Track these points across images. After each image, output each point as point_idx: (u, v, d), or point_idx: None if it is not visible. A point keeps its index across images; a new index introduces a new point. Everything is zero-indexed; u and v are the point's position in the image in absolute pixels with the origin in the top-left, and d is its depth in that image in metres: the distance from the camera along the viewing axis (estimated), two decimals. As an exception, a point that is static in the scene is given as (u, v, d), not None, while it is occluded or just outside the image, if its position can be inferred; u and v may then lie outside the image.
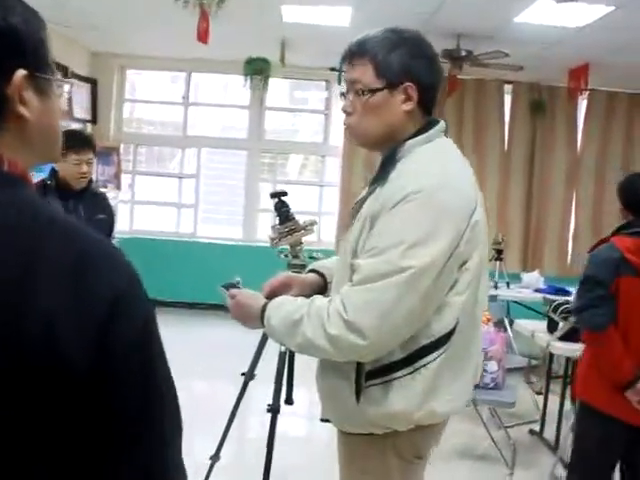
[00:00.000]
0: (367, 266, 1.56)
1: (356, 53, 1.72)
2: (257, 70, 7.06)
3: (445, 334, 1.62)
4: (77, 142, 3.55)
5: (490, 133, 7.72)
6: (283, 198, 2.25)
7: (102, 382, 0.79)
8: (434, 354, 1.61)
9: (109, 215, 3.84)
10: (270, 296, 1.79)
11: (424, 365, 1.61)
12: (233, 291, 1.85)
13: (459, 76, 6.68)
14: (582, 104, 7.85)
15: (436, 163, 1.66)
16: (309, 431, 4.70)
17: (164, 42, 6.96)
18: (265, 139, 8.09)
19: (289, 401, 2.91)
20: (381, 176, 1.69)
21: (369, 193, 1.71)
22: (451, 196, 1.60)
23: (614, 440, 2.82)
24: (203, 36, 5.33)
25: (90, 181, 3.73)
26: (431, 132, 1.72)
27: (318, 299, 1.64)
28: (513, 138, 7.79)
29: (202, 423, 3.58)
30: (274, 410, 2.82)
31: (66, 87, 1.03)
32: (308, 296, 1.71)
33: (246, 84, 7.16)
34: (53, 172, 3.63)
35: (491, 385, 4.04)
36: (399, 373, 1.61)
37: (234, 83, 7.69)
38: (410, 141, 1.70)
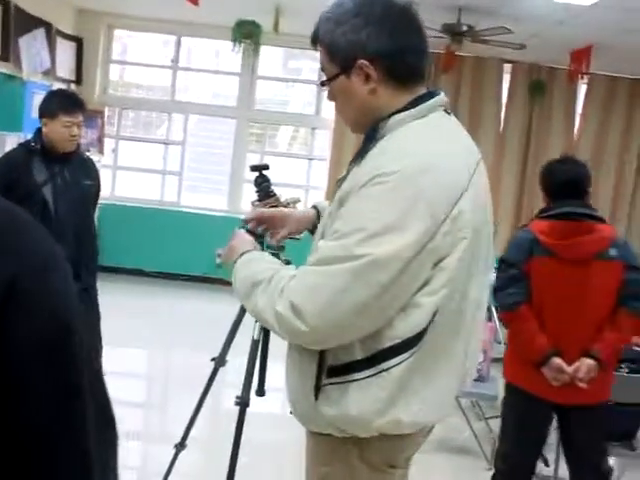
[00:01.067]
0: (324, 248, 1.44)
1: (314, 38, 1.59)
2: (246, 34, 6.84)
3: (412, 337, 1.45)
4: (68, 103, 3.37)
5: (486, 113, 7.56)
6: (264, 172, 2.06)
7: None
8: (398, 357, 1.45)
9: (96, 181, 3.68)
10: (259, 225, 1.80)
11: (387, 369, 1.45)
12: (236, 230, 1.78)
13: (457, 52, 6.49)
14: (582, 88, 7.68)
15: (422, 142, 1.49)
16: (281, 426, 4.56)
17: (154, 2, 6.72)
18: (255, 109, 7.90)
19: (261, 392, 2.77)
20: (360, 154, 1.53)
21: (347, 172, 1.56)
22: (431, 181, 1.41)
23: (535, 417, 2.90)
24: (193, -3, 5.15)
25: (78, 145, 3.54)
26: (423, 106, 1.54)
27: (285, 269, 1.52)
28: (509, 119, 7.63)
29: (176, 403, 3.43)
30: (243, 404, 2.66)
31: None
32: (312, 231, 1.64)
33: (235, 49, 6.92)
34: (38, 133, 3.42)
35: (475, 377, 3.92)
36: (359, 374, 1.46)
37: (226, 49, 7.47)
38: (396, 116, 1.52)
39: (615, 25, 5.66)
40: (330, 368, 1.50)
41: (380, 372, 1.46)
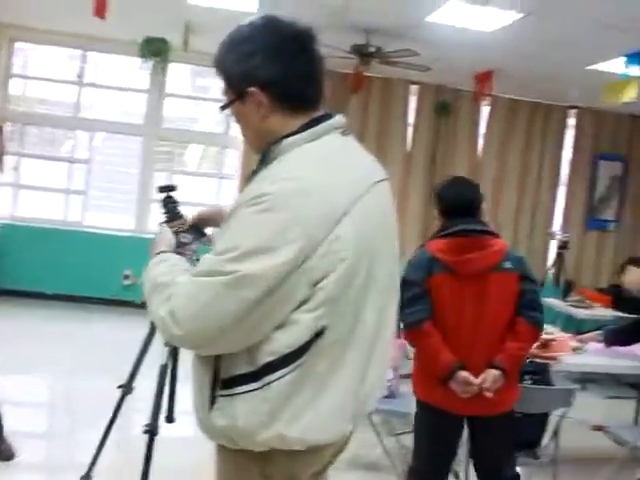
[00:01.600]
0: (204, 261, 1.51)
1: (213, 63, 1.64)
2: (155, 51, 6.71)
3: (292, 352, 1.48)
4: None
5: (393, 133, 7.71)
6: (171, 193, 2.02)
7: None
8: (280, 372, 1.48)
9: None
10: (201, 222, 1.87)
11: (269, 383, 1.49)
12: (162, 225, 1.87)
13: (366, 73, 6.59)
14: (485, 109, 7.96)
15: (303, 165, 1.52)
16: (194, 450, 4.45)
17: (59, 15, 6.50)
18: (163, 127, 7.77)
19: (170, 419, 2.70)
20: (251, 176, 1.59)
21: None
22: (306, 203, 1.45)
23: (445, 432, 2.97)
24: (100, 10, 5.01)
25: None
26: (316, 129, 1.57)
27: (182, 276, 1.55)
28: (416, 139, 7.82)
29: (82, 432, 3.29)
30: (151, 432, 2.58)
31: None
32: None
33: (143, 66, 6.79)
34: None
35: (386, 393, 3.97)
36: (245, 387, 1.51)
37: (134, 66, 7.33)
38: (288, 139, 1.55)
39: (514, 51, 5.90)
40: (223, 380, 1.54)
41: (263, 386, 1.49)
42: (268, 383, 1.49)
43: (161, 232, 1.83)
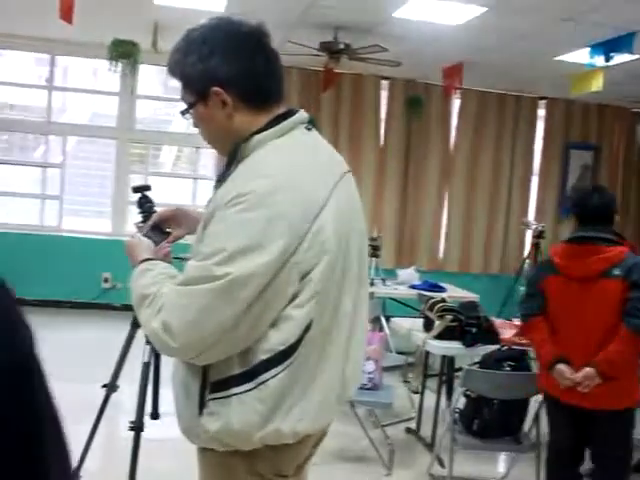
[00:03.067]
0: (189, 269, 1.49)
1: (168, 69, 1.64)
2: (123, 53, 6.67)
3: (286, 349, 1.49)
4: None
5: (366, 128, 7.75)
6: (147, 193, 2.04)
7: None
8: (274, 370, 1.49)
9: None
10: (162, 223, 1.84)
11: (264, 381, 1.49)
12: (133, 233, 1.85)
13: (336, 70, 6.62)
14: (456, 103, 8.02)
15: (277, 161, 1.53)
16: (180, 451, 4.46)
17: (25, 19, 6.45)
18: (136, 129, 7.74)
19: (155, 416, 2.71)
20: (222, 176, 1.57)
21: (213, 195, 1.58)
22: (287, 199, 1.46)
23: (560, 421, 3.19)
24: (66, 14, 4.96)
25: None
26: (282, 125, 1.58)
27: (167, 286, 1.52)
28: (389, 134, 7.86)
29: (68, 431, 3.27)
30: (137, 428, 2.59)
31: None
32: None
33: (112, 68, 6.75)
34: None
35: (368, 385, 4.01)
36: (239, 388, 1.50)
37: (104, 68, 7.26)
38: (256, 137, 1.56)
39: (479, 44, 5.97)
40: (213, 383, 1.52)
41: (258, 385, 1.49)
42: (263, 382, 1.49)
43: (134, 239, 1.79)
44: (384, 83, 7.78)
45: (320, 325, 1.53)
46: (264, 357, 1.48)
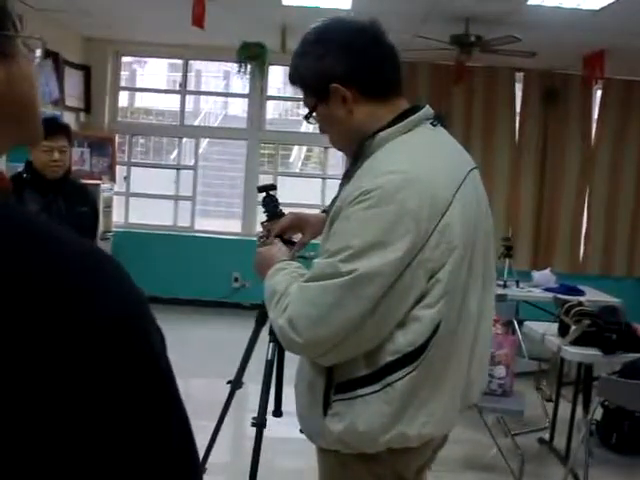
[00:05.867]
0: (316, 266, 1.50)
1: (289, 77, 1.68)
2: (252, 55, 6.80)
3: (414, 350, 1.48)
4: (48, 127, 3.28)
5: (500, 124, 7.44)
6: (271, 192, 2.07)
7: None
8: (401, 372, 1.48)
9: (92, 208, 3.65)
10: (284, 235, 1.85)
11: (391, 383, 1.48)
12: (264, 242, 1.87)
13: (468, 63, 6.41)
14: (597, 93, 7.56)
15: (404, 157, 1.52)
16: (299, 447, 4.46)
17: (160, 27, 6.74)
18: (265, 129, 7.87)
19: (278, 413, 2.69)
20: (348, 174, 1.59)
21: (338, 192, 1.61)
22: (413, 195, 1.44)
23: None
24: (198, 20, 5.16)
25: (68, 171, 3.51)
26: (408, 121, 1.57)
27: (295, 284, 1.54)
28: (524, 129, 7.50)
29: (195, 428, 3.34)
30: (259, 424, 2.59)
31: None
32: None
33: (241, 71, 6.90)
34: (29, 164, 3.41)
35: (499, 392, 3.84)
36: (364, 390, 1.49)
37: (235, 71, 7.46)
38: (382, 133, 1.56)
39: (626, 28, 5.57)
40: (338, 384, 1.52)
41: (385, 387, 1.48)
42: (390, 384, 1.48)
43: (270, 249, 1.80)
44: (519, 75, 7.45)
45: (447, 326, 1.51)
46: (391, 358, 1.48)
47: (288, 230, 1.89)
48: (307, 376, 1.60)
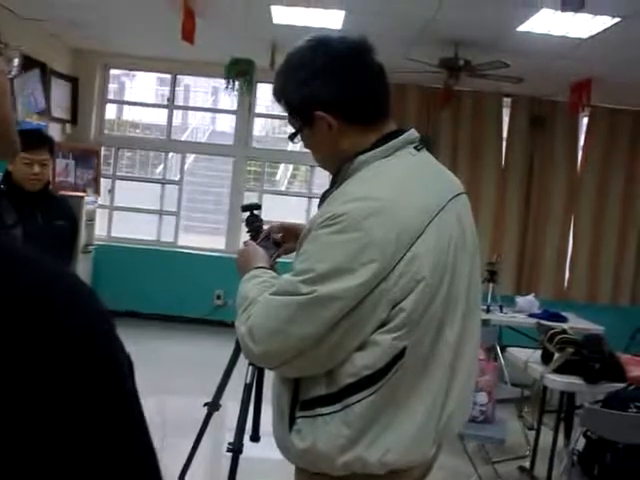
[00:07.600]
0: (281, 281, 1.52)
1: (273, 94, 1.65)
2: (240, 72, 6.78)
3: (372, 374, 1.46)
4: (30, 140, 3.24)
5: (487, 148, 7.45)
6: (255, 212, 2.01)
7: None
8: (360, 394, 1.47)
9: (71, 221, 3.55)
10: (280, 232, 1.88)
11: (349, 405, 1.47)
12: (248, 241, 1.88)
13: (456, 87, 6.43)
14: (583, 121, 7.60)
15: (377, 184, 1.50)
16: (276, 468, 4.38)
17: (149, 41, 6.71)
18: (252, 146, 7.84)
19: (255, 437, 2.63)
20: (326, 195, 1.59)
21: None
22: (381, 224, 1.42)
23: None
24: (188, 35, 5.16)
25: (47, 184, 3.43)
26: (388, 145, 1.55)
27: (264, 295, 1.54)
28: (511, 155, 7.52)
29: (170, 448, 3.28)
30: (235, 451, 2.52)
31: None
32: None
33: (229, 87, 6.87)
34: (7, 175, 3.34)
35: (480, 419, 3.80)
36: (325, 409, 1.49)
37: (222, 87, 7.44)
38: (361, 156, 1.54)
39: (611, 58, 5.60)
40: (302, 402, 1.52)
41: (344, 408, 1.47)
42: (349, 405, 1.47)
43: (250, 247, 1.82)
44: (506, 101, 7.49)
45: (415, 354, 1.48)
46: (350, 380, 1.47)
47: (280, 233, 1.90)
48: (276, 390, 1.60)
